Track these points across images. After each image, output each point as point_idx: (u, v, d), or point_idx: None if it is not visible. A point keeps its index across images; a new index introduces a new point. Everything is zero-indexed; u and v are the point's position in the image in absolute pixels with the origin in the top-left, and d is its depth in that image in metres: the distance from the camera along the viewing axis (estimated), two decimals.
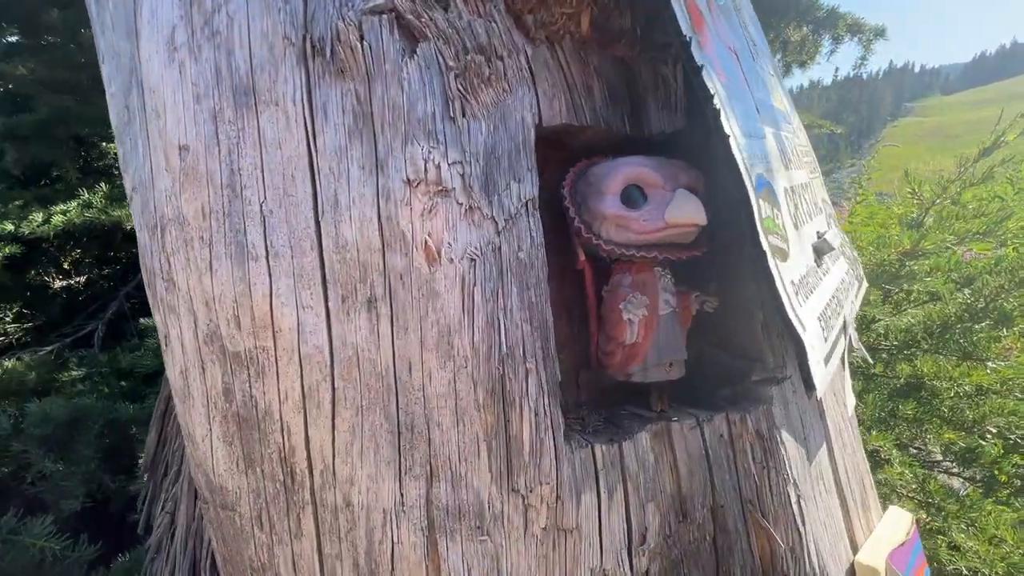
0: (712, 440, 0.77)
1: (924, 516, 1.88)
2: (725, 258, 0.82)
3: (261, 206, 0.72)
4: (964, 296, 1.59)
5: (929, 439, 2.11)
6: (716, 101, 0.62)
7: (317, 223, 0.70)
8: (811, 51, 3.67)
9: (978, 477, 2.01)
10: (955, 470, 2.24)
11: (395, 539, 0.69)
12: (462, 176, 0.67)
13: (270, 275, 0.72)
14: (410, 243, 0.67)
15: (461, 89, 0.67)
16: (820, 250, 0.84)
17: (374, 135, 0.68)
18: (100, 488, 1.78)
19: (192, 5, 0.76)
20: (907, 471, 1.89)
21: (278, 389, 0.75)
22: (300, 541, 0.78)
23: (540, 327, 0.68)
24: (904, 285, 1.60)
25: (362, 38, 0.67)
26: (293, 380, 0.74)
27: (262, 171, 0.72)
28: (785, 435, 0.79)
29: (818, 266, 0.82)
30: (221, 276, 0.75)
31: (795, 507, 0.77)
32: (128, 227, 2.69)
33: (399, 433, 0.69)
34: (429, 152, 0.66)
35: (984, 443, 1.90)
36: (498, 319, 0.66)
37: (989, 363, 1.60)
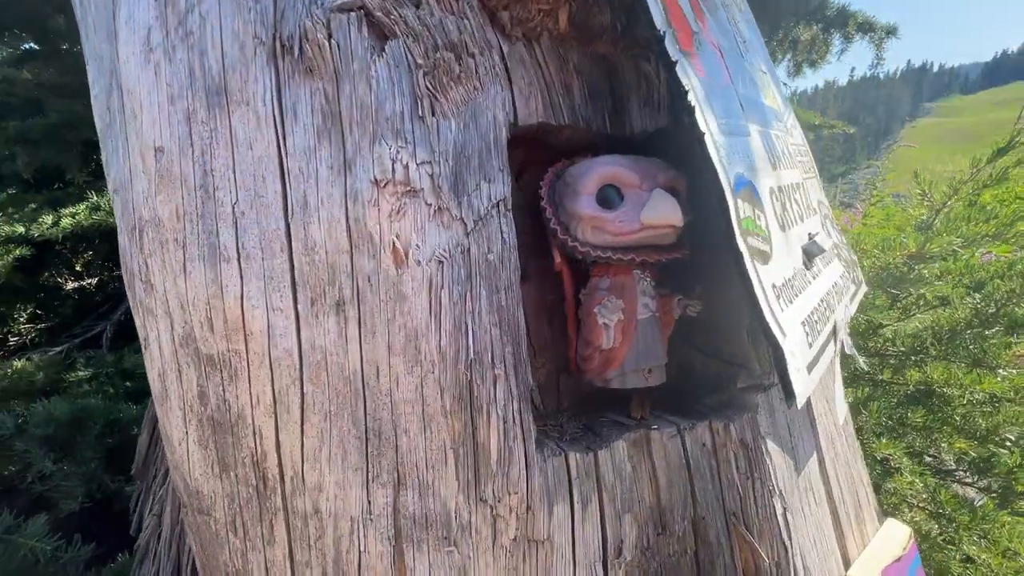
0: (694, 449, 0.74)
1: (935, 527, 1.81)
2: (711, 260, 0.79)
3: (233, 207, 0.72)
4: (974, 301, 1.54)
5: (943, 448, 2.05)
6: (691, 97, 0.59)
7: (287, 224, 0.69)
8: (821, 50, 3.61)
9: (994, 487, 1.94)
10: (968, 480, 2.17)
11: (362, 548, 0.68)
12: (431, 176, 0.65)
13: (241, 277, 0.71)
14: (378, 245, 0.66)
15: (430, 87, 0.66)
16: (810, 252, 0.81)
17: (342, 135, 0.67)
18: (99, 488, 1.79)
19: (167, 6, 0.76)
20: (917, 480, 1.83)
21: (250, 393, 0.74)
22: (273, 548, 0.77)
23: (510, 331, 0.66)
24: (911, 289, 1.55)
25: (330, 36, 0.66)
26: (264, 384, 0.73)
27: (234, 172, 0.71)
28: (771, 444, 0.75)
29: (807, 269, 0.79)
30: (194, 278, 0.74)
31: (781, 520, 0.74)
32: None
33: (367, 439, 0.67)
34: (397, 152, 0.65)
35: (1001, 452, 1.83)
36: (466, 323, 0.64)
37: (1000, 371, 1.54)
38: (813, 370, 0.66)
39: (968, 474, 2.13)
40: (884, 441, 1.87)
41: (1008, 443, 1.85)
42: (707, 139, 0.59)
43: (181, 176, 0.74)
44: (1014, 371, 1.54)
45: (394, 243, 0.65)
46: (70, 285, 3.60)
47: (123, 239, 0.86)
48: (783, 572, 0.73)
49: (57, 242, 2.83)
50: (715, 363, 0.82)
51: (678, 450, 0.73)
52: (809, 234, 0.85)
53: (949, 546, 1.79)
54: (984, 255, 1.85)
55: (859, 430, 1.88)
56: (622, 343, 0.71)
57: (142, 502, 1.29)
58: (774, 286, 0.64)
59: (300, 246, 0.69)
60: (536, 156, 0.84)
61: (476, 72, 0.68)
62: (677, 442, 0.73)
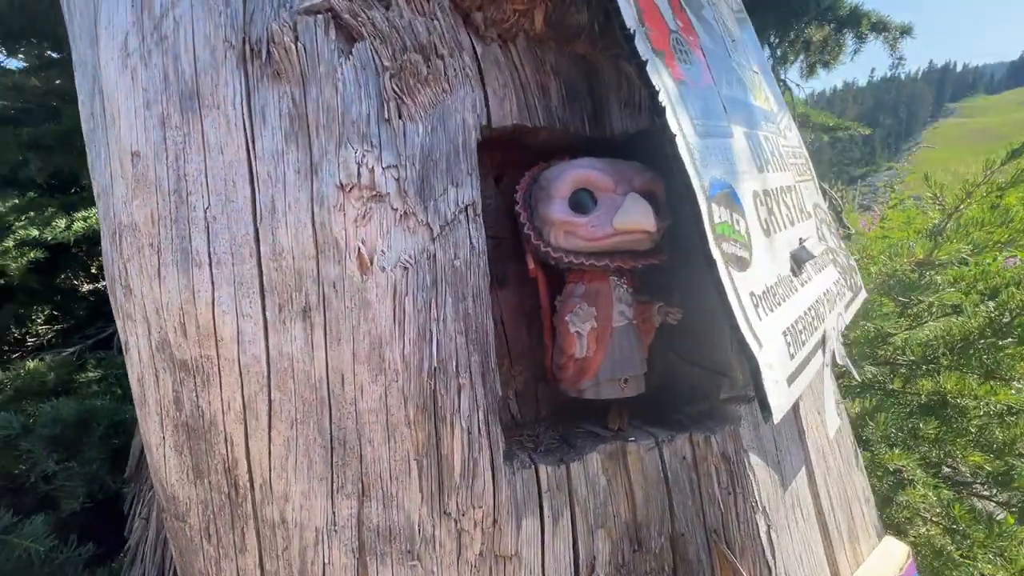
0: (672, 462, 0.71)
1: (949, 543, 1.74)
2: (693, 266, 0.77)
3: (205, 212, 0.71)
4: (988, 309, 1.48)
5: (959, 460, 1.97)
6: (662, 97, 0.57)
7: (256, 229, 0.69)
8: (834, 51, 3.53)
9: (1013, 502, 1.86)
10: (985, 493, 2.09)
11: (326, 560, 0.66)
12: (397, 180, 0.64)
13: (213, 283, 0.71)
14: (343, 250, 0.64)
15: (397, 90, 0.64)
16: (799, 258, 0.78)
17: (309, 138, 0.66)
18: (101, 489, 1.81)
19: (143, 11, 0.76)
20: (931, 494, 1.76)
21: (221, 399, 0.73)
22: (244, 556, 0.76)
23: (477, 339, 0.64)
24: (919, 297, 1.49)
25: (297, 39, 0.65)
26: (235, 390, 0.72)
27: (206, 177, 0.71)
28: (754, 458, 0.72)
29: (796, 275, 0.76)
30: (168, 283, 0.74)
31: (764, 538, 0.71)
32: None
33: (332, 449, 0.66)
34: (363, 156, 0.64)
35: (1019, 465, 1.76)
36: (430, 330, 0.62)
37: (1015, 383, 1.47)
38: (795, 382, 0.63)
39: (986, 487, 2.05)
40: (897, 452, 1.81)
41: None
42: (678, 140, 0.57)
43: (156, 181, 0.74)
44: None
45: (359, 249, 0.64)
46: (85, 287, 3.67)
47: (105, 244, 0.87)
48: None
49: (71, 245, 2.90)
50: (699, 373, 0.79)
51: (656, 463, 0.71)
52: (800, 239, 0.82)
53: (966, 560, 1.72)
54: (1008, 259, 1.77)
55: (866, 441, 1.81)
56: (596, 352, 0.68)
57: (134, 505, 1.30)
58: (752, 294, 0.62)
59: (268, 251, 0.68)
60: (515, 159, 0.82)
61: (445, 74, 0.66)
62: (655, 455, 0.70)
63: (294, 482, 0.68)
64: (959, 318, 1.57)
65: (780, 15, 3.50)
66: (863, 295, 1.02)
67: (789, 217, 0.82)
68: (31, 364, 2.66)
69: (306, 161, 0.66)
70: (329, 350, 0.65)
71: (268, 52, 0.66)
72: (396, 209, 0.64)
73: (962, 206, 1.71)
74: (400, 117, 0.65)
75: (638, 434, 0.72)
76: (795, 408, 0.81)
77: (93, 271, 3.63)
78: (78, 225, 2.71)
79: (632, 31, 0.58)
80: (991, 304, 1.47)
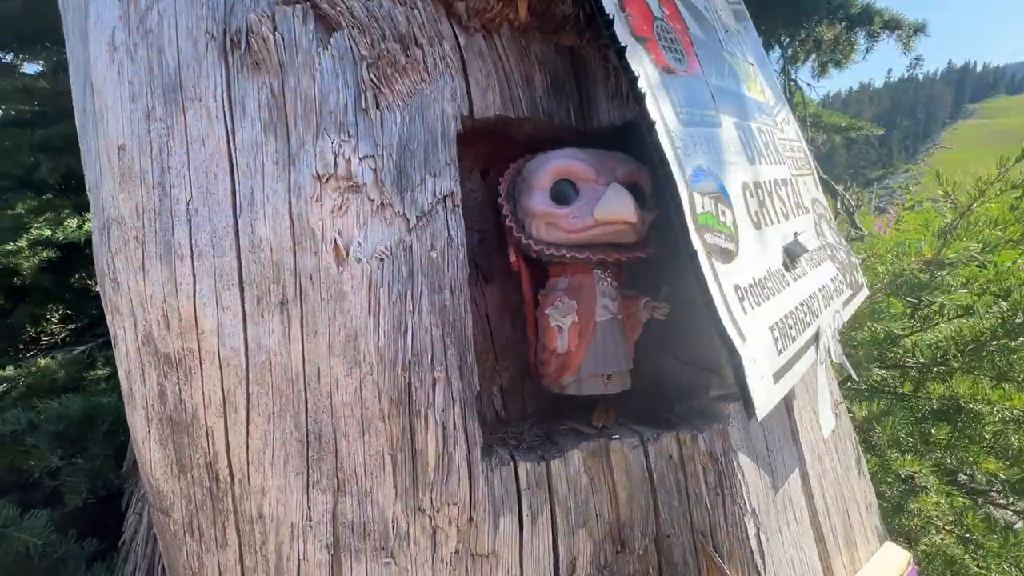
0: (658, 462, 0.69)
1: (963, 553, 1.69)
2: (682, 260, 0.75)
3: (188, 204, 0.71)
4: (1000, 310, 1.43)
5: (975, 467, 1.91)
6: (641, 84, 0.56)
7: (236, 221, 0.68)
8: (845, 50, 3.48)
9: None
10: (1002, 501, 2.02)
11: (301, 556, 0.65)
12: (374, 170, 0.63)
13: (194, 275, 0.70)
14: (320, 241, 0.64)
15: (374, 79, 0.63)
16: (792, 252, 0.75)
17: (287, 129, 0.65)
18: (104, 485, 1.82)
19: (129, 5, 0.76)
20: (943, 501, 1.71)
21: (203, 392, 0.72)
22: (225, 551, 0.76)
23: (454, 332, 0.63)
24: (927, 297, 1.45)
25: (275, 29, 0.65)
26: (215, 383, 0.71)
27: (189, 169, 0.71)
28: (743, 459, 0.70)
29: (788, 270, 0.74)
30: (152, 276, 0.74)
31: (753, 541, 0.68)
32: None
33: (307, 443, 0.65)
34: (340, 146, 0.63)
35: None
36: (405, 322, 0.61)
37: None
38: (782, 379, 0.61)
39: (1002, 496, 1.99)
40: (909, 458, 1.76)
41: None
42: (658, 127, 0.55)
43: (141, 174, 0.74)
44: None
45: (335, 240, 0.63)
46: (97, 287, 3.72)
47: (95, 238, 0.87)
48: None
49: (83, 245, 2.94)
50: (690, 371, 0.77)
51: (640, 462, 0.68)
52: (795, 233, 0.80)
53: (980, 571, 1.66)
54: None
55: (873, 446, 1.77)
56: (578, 346, 0.67)
57: (132, 501, 1.31)
58: (737, 287, 0.60)
59: (247, 243, 0.67)
60: (502, 153, 0.81)
61: (424, 63, 0.65)
62: (639, 453, 0.68)
63: (271, 476, 0.67)
64: (970, 319, 1.52)
65: (790, 14, 3.45)
66: (864, 293, 0.99)
67: (783, 211, 0.80)
68: (42, 362, 2.71)
69: (284, 152, 0.65)
70: (306, 343, 0.65)
71: (247, 43, 0.66)
72: (373, 200, 0.63)
73: (975, 204, 1.66)
74: (378, 107, 0.64)
75: (623, 432, 0.71)
76: (788, 407, 0.79)
77: None
78: (89, 225, 2.76)
79: (611, 16, 0.56)
80: (1004, 304, 1.43)
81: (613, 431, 0.70)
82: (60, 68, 2.66)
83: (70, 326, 3.68)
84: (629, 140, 0.78)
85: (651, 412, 0.79)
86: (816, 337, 0.72)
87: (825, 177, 3.61)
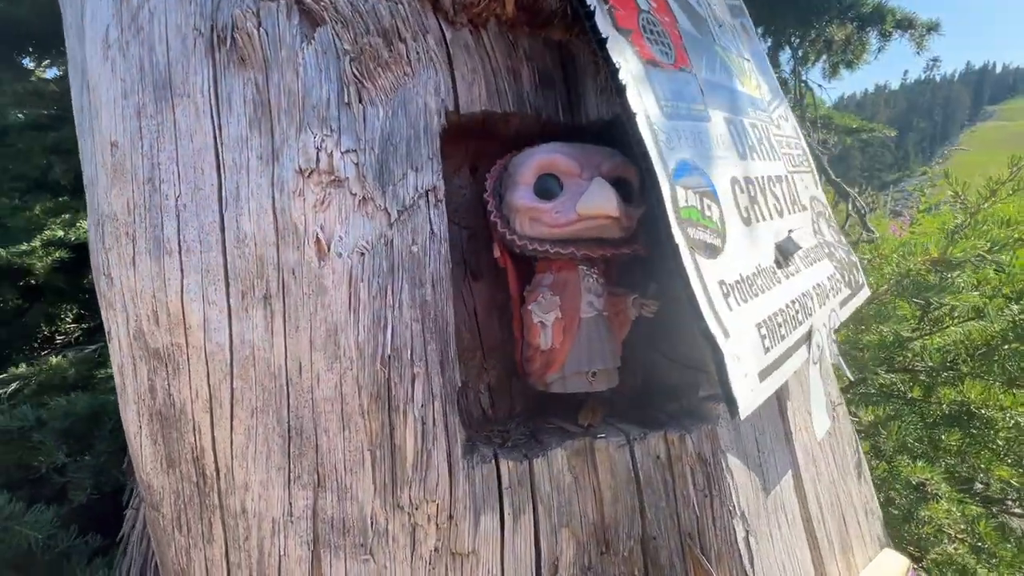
0: (644, 462, 0.68)
1: (975, 562, 1.64)
2: (670, 256, 0.73)
3: (176, 200, 0.71)
4: (1012, 313, 1.39)
5: (990, 475, 1.86)
6: (622, 75, 0.55)
7: (221, 216, 0.68)
8: (857, 50, 3.42)
9: None
10: (1018, 510, 1.97)
11: (282, 551, 0.65)
12: (356, 165, 0.63)
13: (182, 271, 0.71)
14: (302, 236, 0.64)
15: (357, 73, 0.63)
16: (785, 249, 0.74)
17: (271, 124, 0.65)
18: (108, 481, 1.84)
19: (122, 3, 0.77)
20: (955, 509, 1.66)
21: (190, 387, 0.73)
22: (211, 546, 0.76)
23: (435, 328, 0.62)
24: (934, 299, 1.41)
25: (260, 25, 0.65)
26: (201, 378, 0.72)
27: (177, 165, 0.71)
28: (732, 460, 0.68)
29: (781, 267, 0.72)
30: (142, 271, 0.74)
31: (742, 544, 0.66)
32: None
33: (289, 438, 0.65)
34: (322, 140, 0.63)
35: None
36: (385, 317, 0.61)
37: None
38: (769, 378, 0.59)
39: (1018, 504, 1.93)
40: (920, 464, 1.72)
41: None
42: (639, 119, 0.54)
43: (132, 170, 0.74)
44: None
45: (317, 234, 0.63)
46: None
47: (91, 234, 0.88)
48: None
49: None
50: (679, 368, 0.76)
51: (626, 462, 0.67)
52: (789, 230, 0.78)
53: None
54: None
55: (879, 452, 1.73)
56: (563, 343, 0.66)
57: (131, 497, 1.32)
58: (722, 283, 0.58)
59: (232, 238, 0.68)
60: (491, 149, 0.81)
61: (407, 57, 0.65)
62: (625, 453, 0.67)
63: (254, 471, 0.67)
64: (980, 322, 1.48)
65: (800, 14, 3.41)
66: (865, 292, 0.96)
67: (777, 207, 0.79)
68: (53, 360, 2.75)
69: (268, 147, 0.65)
70: (288, 337, 0.64)
71: (233, 39, 0.66)
72: (355, 194, 0.63)
73: (986, 204, 1.62)
74: (360, 101, 0.64)
75: (610, 431, 0.69)
76: (782, 408, 0.77)
77: None
78: None
79: (592, 8, 0.56)
80: (1015, 308, 1.39)
81: (599, 430, 0.69)
82: None
83: (83, 325, 3.73)
84: (617, 136, 0.77)
85: (641, 411, 0.78)
86: (808, 336, 0.71)
87: (837, 180, 3.56)
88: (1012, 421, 1.63)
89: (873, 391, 1.85)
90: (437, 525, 0.60)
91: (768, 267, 0.69)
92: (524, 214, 0.65)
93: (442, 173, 0.65)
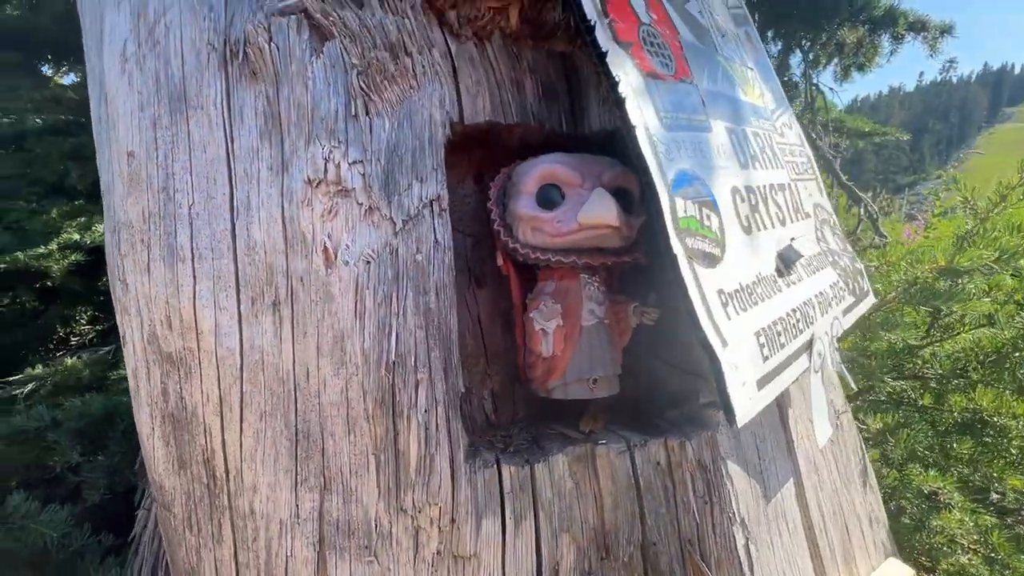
0: (645, 468, 0.68)
1: (988, 573, 1.62)
2: (671, 265, 0.74)
3: (190, 209, 0.74)
4: (1023, 320, 1.37)
5: (1005, 484, 1.83)
6: (622, 88, 0.56)
7: (233, 225, 0.71)
8: (869, 53, 3.40)
9: None
10: None
11: (289, 552, 0.66)
12: (363, 175, 0.64)
13: (195, 277, 0.73)
14: (310, 244, 0.65)
15: (364, 86, 0.65)
16: (787, 258, 0.74)
17: (281, 136, 0.67)
18: (121, 481, 1.88)
19: (139, 18, 0.79)
20: (967, 519, 1.64)
21: (201, 390, 0.75)
22: (221, 547, 0.77)
23: (439, 335, 0.63)
24: (943, 306, 1.40)
25: (271, 39, 0.67)
26: (212, 382, 0.74)
27: (191, 175, 0.73)
28: (733, 467, 0.69)
29: (782, 275, 0.73)
30: (156, 278, 0.77)
31: (742, 551, 0.67)
32: None
33: (296, 441, 0.66)
34: (330, 151, 0.65)
35: None
36: (389, 324, 0.62)
37: None
38: (767, 386, 0.60)
39: None
40: (932, 473, 1.70)
41: None
42: (638, 131, 0.55)
43: (147, 179, 0.77)
44: None
45: (325, 243, 0.65)
46: None
47: (107, 240, 0.91)
48: None
49: None
50: (680, 375, 0.77)
51: (627, 468, 0.68)
52: (791, 238, 0.79)
53: None
54: None
55: (888, 460, 1.71)
56: (564, 351, 0.67)
57: (143, 497, 1.35)
58: (721, 292, 0.59)
59: (243, 246, 0.70)
60: (496, 159, 0.82)
61: (413, 71, 0.67)
62: (626, 459, 0.68)
63: (262, 474, 0.69)
64: (991, 329, 1.46)
65: (810, 17, 3.40)
66: (870, 300, 0.96)
67: (779, 215, 0.79)
68: (68, 361, 2.81)
69: (278, 158, 0.67)
70: (296, 343, 0.66)
71: (245, 53, 0.68)
72: (361, 204, 0.64)
73: (996, 210, 1.60)
74: (367, 113, 0.65)
75: (611, 438, 0.70)
76: (783, 416, 0.77)
77: None
78: None
79: (592, 22, 0.57)
80: None
81: (600, 436, 0.70)
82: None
83: (98, 327, 3.79)
84: (621, 145, 0.78)
85: (642, 418, 0.78)
86: (810, 344, 0.71)
87: (849, 184, 3.53)
88: None
89: (882, 398, 1.83)
90: (439, 528, 0.62)
91: (769, 276, 0.70)
92: (526, 223, 0.66)
93: (447, 183, 0.67)
